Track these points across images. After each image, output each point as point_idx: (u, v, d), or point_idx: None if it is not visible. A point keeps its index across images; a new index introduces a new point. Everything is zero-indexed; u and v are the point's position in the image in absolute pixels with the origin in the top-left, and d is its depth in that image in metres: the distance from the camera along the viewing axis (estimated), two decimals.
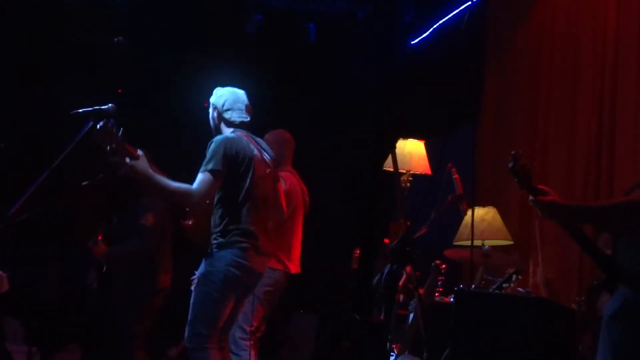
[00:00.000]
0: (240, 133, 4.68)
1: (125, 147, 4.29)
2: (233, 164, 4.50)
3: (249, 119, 4.77)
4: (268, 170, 4.71)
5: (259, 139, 4.80)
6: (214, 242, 4.54)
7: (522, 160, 3.53)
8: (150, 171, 4.38)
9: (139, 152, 4.36)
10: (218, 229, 4.53)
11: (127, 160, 4.29)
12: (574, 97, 6.60)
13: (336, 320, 6.78)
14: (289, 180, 5.73)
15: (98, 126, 4.21)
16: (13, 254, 6.32)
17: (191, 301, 4.53)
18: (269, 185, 4.73)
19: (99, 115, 4.36)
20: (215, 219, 4.57)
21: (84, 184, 5.64)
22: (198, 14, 7.69)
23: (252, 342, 5.43)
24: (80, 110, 4.37)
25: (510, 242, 6.30)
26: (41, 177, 4.26)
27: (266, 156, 4.76)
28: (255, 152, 4.65)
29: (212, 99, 4.81)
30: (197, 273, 4.56)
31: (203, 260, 4.58)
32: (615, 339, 3.40)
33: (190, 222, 4.71)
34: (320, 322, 7.49)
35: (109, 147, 4.25)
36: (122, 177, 5.56)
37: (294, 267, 5.74)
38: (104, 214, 6.26)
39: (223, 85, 4.90)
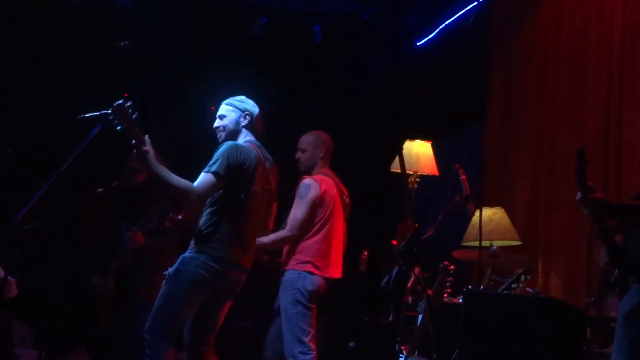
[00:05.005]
0: (250, 144, 4.68)
1: (136, 129, 4.31)
2: (236, 172, 4.49)
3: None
4: (266, 186, 4.69)
5: (263, 149, 4.77)
6: (194, 241, 4.53)
7: (585, 156, 3.54)
8: (155, 161, 4.38)
9: (146, 137, 4.37)
10: (202, 230, 4.52)
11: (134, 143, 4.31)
12: (580, 96, 6.58)
13: (344, 322, 6.76)
14: (323, 184, 5.62)
15: (115, 103, 4.25)
16: (21, 257, 6.33)
17: (158, 295, 4.51)
18: (264, 203, 4.71)
19: (106, 119, 4.38)
20: (203, 220, 4.55)
21: (99, 190, 5.62)
22: (203, 17, 7.68)
23: (316, 354, 5.32)
24: (87, 115, 4.39)
25: (519, 242, 6.29)
26: (49, 182, 4.28)
27: (268, 164, 4.74)
28: (259, 165, 4.62)
29: (246, 106, 4.77)
30: (170, 270, 4.53)
31: (180, 258, 4.55)
32: (635, 336, 3.40)
33: (179, 217, 4.69)
34: (328, 324, 7.47)
35: (119, 127, 4.28)
36: (137, 185, 5.62)
37: (334, 272, 5.60)
38: (114, 219, 6.26)
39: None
